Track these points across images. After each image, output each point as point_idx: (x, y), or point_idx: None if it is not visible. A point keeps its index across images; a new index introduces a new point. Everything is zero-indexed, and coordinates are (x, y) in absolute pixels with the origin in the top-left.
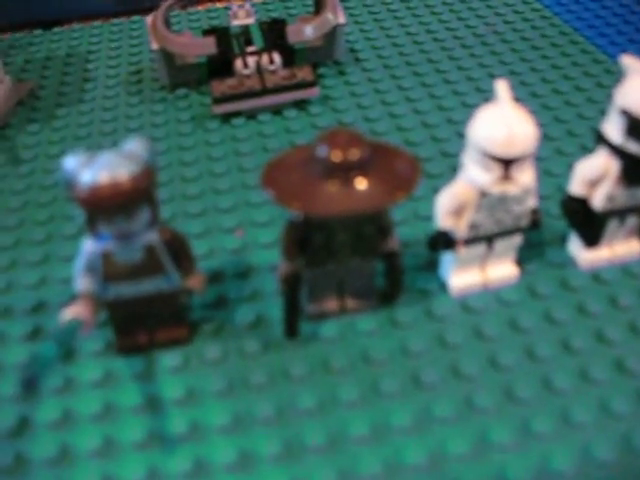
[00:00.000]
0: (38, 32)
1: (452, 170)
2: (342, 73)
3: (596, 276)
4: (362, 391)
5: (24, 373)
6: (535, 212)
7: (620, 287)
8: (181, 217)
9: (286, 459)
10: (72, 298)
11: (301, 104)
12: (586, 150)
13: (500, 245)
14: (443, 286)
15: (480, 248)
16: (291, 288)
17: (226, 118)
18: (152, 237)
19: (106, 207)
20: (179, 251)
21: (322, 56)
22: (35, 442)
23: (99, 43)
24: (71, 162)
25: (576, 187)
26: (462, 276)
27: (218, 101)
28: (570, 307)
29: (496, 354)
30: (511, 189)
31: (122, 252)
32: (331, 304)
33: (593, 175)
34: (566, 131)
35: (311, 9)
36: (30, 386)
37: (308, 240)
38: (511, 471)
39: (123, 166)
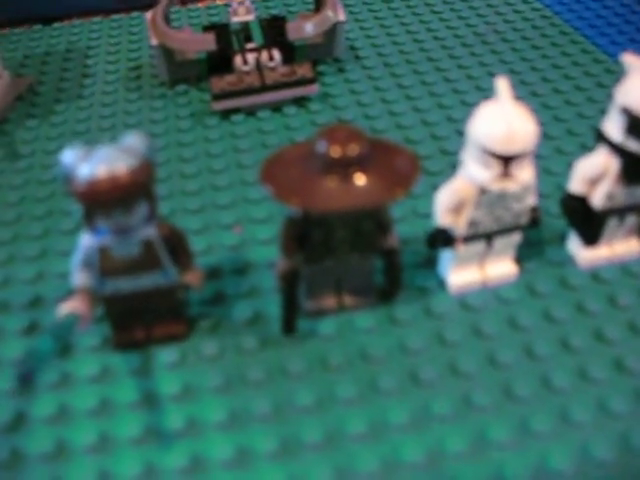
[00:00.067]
0: (37, 27)
1: (451, 168)
2: (342, 70)
3: (595, 275)
4: (360, 388)
5: (20, 367)
6: (534, 210)
7: (619, 286)
8: (180, 213)
9: (283, 456)
10: (69, 293)
11: (301, 101)
12: (586, 149)
13: (499, 243)
14: (442, 284)
15: (479, 246)
16: (289, 285)
17: (225, 115)
18: (150, 232)
19: (104, 201)
20: (177, 246)
21: (322, 53)
22: (31, 437)
23: (98, 39)
24: (69, 156)
25: (576, 185)
26: (461, 274)
27: (217, 97)
28: (569, 306)
29: (495, 352)
30: (511, 186)
31: (120, 247)
32: (329, 301)
33: (593, 173)
34: (566, 130)
35: (311, 6)
36: (26, 380)
37: (307, 236)
38: (509, 470)
39: (121, 160)
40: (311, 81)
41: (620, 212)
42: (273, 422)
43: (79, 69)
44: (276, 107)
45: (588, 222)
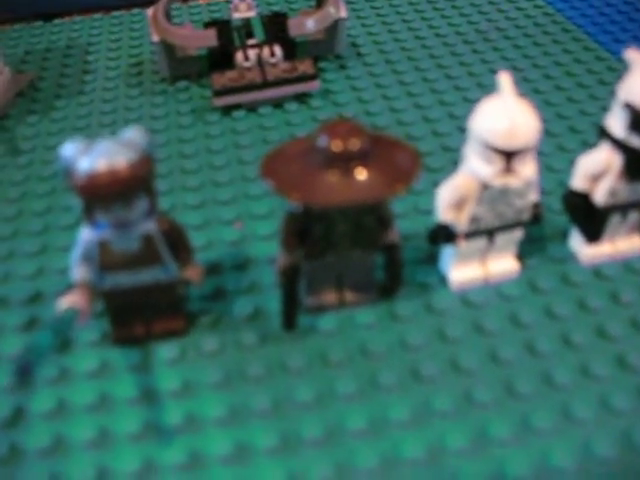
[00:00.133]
0: (38, 24)
1: (453, 164)
2: (343, 67)
3: (597, 272)
4: (360, 384)
5: (18, 360)
6: (536, 206)
7: (621, 283)
8: (180, 209)
9: (282, 452)
10: (69, 288)
11: (302, 97)
12: (588, 146)
13: (501, 239)
14: (443, 280)
15: (481, 242)
16: (290, 280)
17: (226, 111)
18: (150, 226)
19: (104, 195)
20: (177, 242)
21: (323, 50)
22: (29, 432)
23: (99, 35)
24: (69, 150)
25: (578, 182)
26: (462, 270)
27: (218, 93)
28: (571, 302)
29: (496, 349)
30: (513, 182)
31: (119, 241)
32: (330, 297)
33: (595, 169)
34: (568, 127)
35: (312, 3)
36: (24, 373)
37: (307, 232)
38: (510, 466)
39: (121, 154)
40: (312, 77)
41: (623, 208)
42: (273, 418)
43: (80, 65)
44: (277, 103)
45: (590, 219)
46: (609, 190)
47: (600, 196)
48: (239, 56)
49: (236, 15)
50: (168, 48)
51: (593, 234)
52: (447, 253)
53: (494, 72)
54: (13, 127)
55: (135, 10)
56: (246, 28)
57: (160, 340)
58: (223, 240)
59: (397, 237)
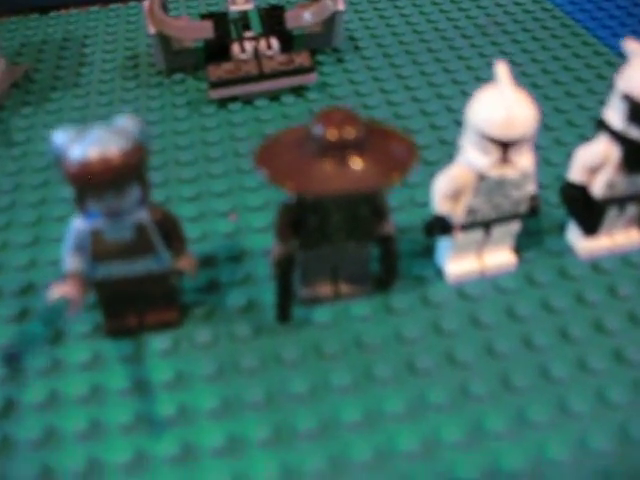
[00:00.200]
0: (35, 16)
1: (450, 157)
2: (340, 60)
3: (595, 265)
4: (355, 377)
5: (6, 348)
6: (534, 198)
7: (619, 276)
8: (175, 201)
9: (276, 444)
10: (61, 279)
11: (299, 90)
12: (585, 140)
13: (498, 231)
14: (439, 272)
15: (477, 234)
16: (284, 271)
17: (223, 103)
18: (142, 215)
19: (96, 183)
20: (170, 232)
21: (320, 43)
22: (21, 424)
23: (96, 28)
24: (61, 137)
25: (576, 174)
26: (459, 263)
27: (215, 86)
28: (568, 296)
29: (492, 342)
30: (510, 173)
31: (112, 230)
32: (325, 289)
33: (593, 161)
34: (566, 121)
35: None
36: (13, 361)
37: (302, 222)
38: (506, 460)
39: (113, 142)
40: (309, 70)
41: (620, 201)
42: (266, 410)
43: (76, 57)
44: (274, 96)
45: (588, 211)
46: (607, 182)
47: (598, 188)
48: (235, 48)
49: (233, 8)
50: (164, 40)
51: (591, 227)
52: (443, 245)
53: (492, 66)
54: (7, 118)
55: (132, 3)
56: (243, 21)
57: (153, 332)
58: (218, 232)
59: (393, 229)
